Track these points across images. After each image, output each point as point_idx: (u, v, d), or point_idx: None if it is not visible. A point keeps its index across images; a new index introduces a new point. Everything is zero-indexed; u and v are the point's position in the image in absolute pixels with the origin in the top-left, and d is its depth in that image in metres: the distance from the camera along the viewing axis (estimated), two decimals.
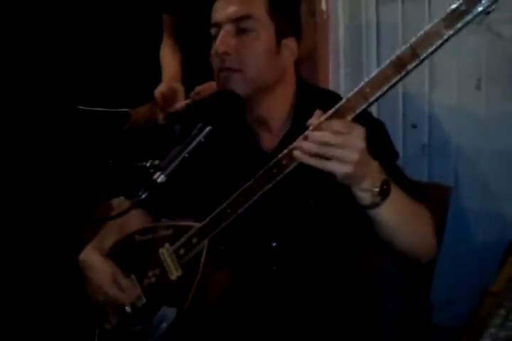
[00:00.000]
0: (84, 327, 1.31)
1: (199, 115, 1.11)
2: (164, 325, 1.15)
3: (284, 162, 1.00)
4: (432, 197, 1.15)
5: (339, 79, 1.99)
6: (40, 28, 2.05)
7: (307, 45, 1.70)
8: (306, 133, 0.95)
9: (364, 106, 0.93)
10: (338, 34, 1.97)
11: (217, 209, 1.09)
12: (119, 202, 1.38)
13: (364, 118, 0.99)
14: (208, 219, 1.11)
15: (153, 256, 1.17)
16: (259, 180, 1.04)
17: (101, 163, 1.95)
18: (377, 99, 0.93)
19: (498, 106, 1.79)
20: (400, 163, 1.18)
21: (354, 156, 0.91)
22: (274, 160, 1.02)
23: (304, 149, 0.94)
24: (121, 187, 1.26)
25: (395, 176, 1.03)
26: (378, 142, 1.07)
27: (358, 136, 0.92)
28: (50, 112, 2.11)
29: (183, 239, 1.13)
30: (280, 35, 1.14)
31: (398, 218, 1.00)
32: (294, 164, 0.99)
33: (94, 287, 1.19)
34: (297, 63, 1.21)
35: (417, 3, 1.84)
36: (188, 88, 1.82)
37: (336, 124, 0.93)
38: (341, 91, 2.00)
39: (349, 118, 0.94)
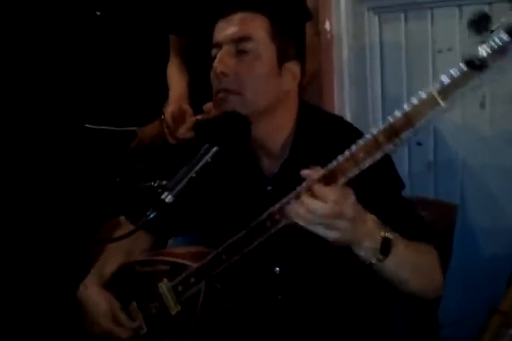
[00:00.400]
0: None
1: (205, 135, 1.10)
2: None
3: (277, 217, 0.98)
4: (437, 233, 1.13)
5: (344, 99, 2.00)
6: (50, 47, 2.08)
7: (312, 67, 1.67)
8: (299, 190, 0.94)
9: (355, 172, 0.91)
10: (342, 54, 1.99)
11: (212, 254, 1.08)
12: (125, 221, 1.37)
13: None
14: (204, 262, 1.10)
15: (153, 289, 1.16)
16: (253, 230, 1.02)
17: (108, 181, 1.96)
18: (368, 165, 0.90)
19: (502, 123, 1.79)
20: (405, 180, 1.18)
21: (344, 225, 0.92)
22: (266, 213, 1.00)
23: (295, 212, 0.93)
24: (127, 206, 1.27)
25: (398, 216, 1.02)
26: (381, 175, 1.05)
27: (349, 205, 0.91)
28: (58, 130, 2.13)
29: (180, 278, 1.13)
30: (282, 58, 1.12)
31: (403, 269, 1.00)
32: (287, 221, 0.97)
33: (92, 320, 1.18)
34: (302, 86, 1.18)
35: (419, 23, 1.86)
36: (195, 108, 1.82)
37: (328, 193, 0.91)
38: (346, 111, 2.02)
39: (341, 182, 0.92)
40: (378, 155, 0.89)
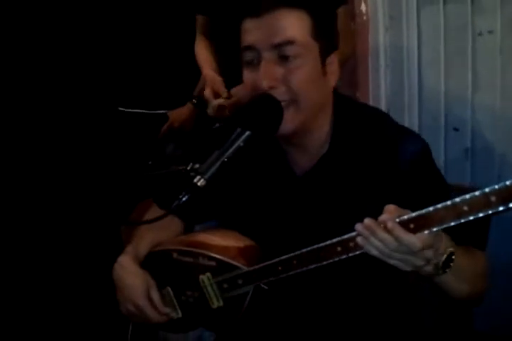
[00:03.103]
0: (118, 322, 1.31)
1: (238, 119, 1.06)
2: None
3: (351, 244, 0.94)
4: (486, 239, 1.10)
5: (379, 82, 1.96)
6: (83, 31, 2.10)
7: (345, 51, 1.63)
8: (383, 219, 0.88)
9: (452, 223, 0.85)
10: (378, 37, 1.94)
11: (268, 262, 1.06)
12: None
13: (408, 154, 0.98)
14: (256, 267, 1.08)
15: (192, 279, 1.15)
16: (318, 251, 0.99)
17: (140, 164, 1.97)
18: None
19: None
20: (441, 167, 1.16)
21: (420, 263, 0.90)
22: (338, 239, 0.96)
23: (373, 244, 0.89)
24: (159, 189, 1.27)
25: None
26: (431, 182, 1.03)
27: (433, 251, 0.89)
28: (92, 114, 2.15)
29: (227, 276, 1.11)
30: (325, 54, 1.06)
31: (456, 280, 0.97)
32: (361, 251, 0.93)
33: (126, 296, 1.17)
34: None
35: (459, 4, 1.80)
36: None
37: (415, 240, 0.87)
38: (381, 96, 1.98)
39: (435, 228, 0.87)
40: (484, 214, 0.83)
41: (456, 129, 1.88)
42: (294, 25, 1.02)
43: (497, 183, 1.99)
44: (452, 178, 1.17)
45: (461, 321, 1.28)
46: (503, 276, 1.42)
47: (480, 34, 1.76)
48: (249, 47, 1.04)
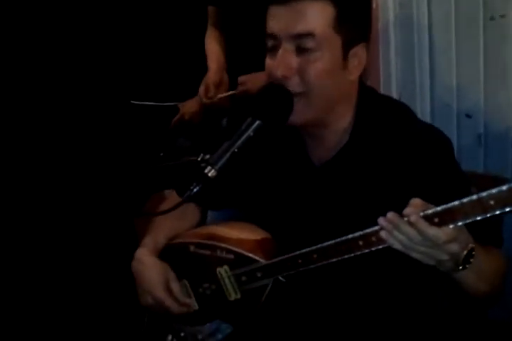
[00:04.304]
0: (134, 313, 1.33)
1: (247, 108, 1.07)
2: (219, 336, 1.16)
3: (374, 239, 0.94)
4: (502, 236, 1.09)
5: (390, 70, 1.94)
6: (94, 26, 2.09)
7: None
8: (408, 213, 0.88)
9: (478, 217, 0.85)
10: (388, 23, 1.92)
11: (288, 255, 1.06)
12: (170, 194, 1.39)
13: (429, 149, 0.98)
14: (276, 260, 1.08)
15: (210, 272, 1.15)
16: (340, 245, 0.98)
17: (151, 156, 1.98)
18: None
19: None
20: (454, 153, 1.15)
21: (444, 257, 0.89)
22: (360, 233, 0.95)
23: (396, 238, 0.89)
24: (172, 180, 1.28)
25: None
26: (447, 180, 1.03)
27: (458, 244, 0.88)
28: (104, 106, 2.16)
29: (246, 269, 1.11)
30: (348, 47, 1.03)
31: (475, 276, 0.97)
32: (384, 245, 0.93)
33: (146, 288, 1.17)
34: None
35: None
36: (232, 78, 1.82)
37: (441, 234, 0.87)
38: (392, 84, 1.96)
39: (460, 223, 0.87)
40: (511, 208, 0.83)
41: (468, 116, 1.86)
42: (316, 16, 1.00)
43: (511, 170, 1.96)
44: (465, 165, 1.16)
45: (475, 310, 1.28)
46: None
47: (492, 18, 1.74)
48: (271, 35, 1.04)
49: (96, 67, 2.13)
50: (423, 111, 1.91)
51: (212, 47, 1.87)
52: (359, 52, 1.05)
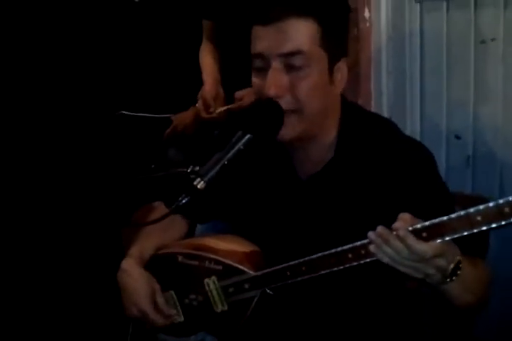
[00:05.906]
0: (118, 325, 1.31)
1: (239, 123, 1.08)
2: None
3: (363, 252, 0.95)
4: (487, 248, 1.11)
5: (381, 90, 1.97)
6: (87, 34, 2.10)
7: (351, 57, 1.66)
8: (397, 227, 0.89)
9: (465, 232, 0.87)
10: (381, 44, 1.95)
11: (277, 267, 1.06)
12: (159, 206, 1.38)
13: (413, 164, 0.99)
14: (265, 271, 1.08)
15: (197, 283, 1.15)
16: (329, 257, 0.99)
17: (143, 167, 1.98)
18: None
19: None
20: (442, 174, 1.16)
21: (431, 271, 0.91)
22: (350, 246, 0.97)
23: (385, 252, 0.90)
24: (161, 191, 1.28)
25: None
26: (431, 195, 1.04)
27: (445, 258, 0.90)
28: (94, 117, 2.16)
29: (234, 280, 1.11)
30: (333, 62, 1.06)
31: (461, 288, 0.98)
32: (372, 258, 0.94)
33: (131, 300, 1.17)
34: None
35: (462, 11, 1.80)
36: (226, 92, 1.83)
37: (429, 247, 0.88)
38: (383, 102, 1.98)
39: (447, 238, 0.89)
40: (497, 225, 0.85)
41: (457, 137, 1.88)
42: (302, 34, 1.02)
43: (498, 191, 1.97)
44: (453, 186, 1.17)
45: (461, 327, 1.28)
46: (502, 283, 1.41)
47: (483, 42, 1.77)
48: (258, 55, 1.04)
49: (90, 78, 2.14)
50: (413, 132, 1.92)
51: (207, 61, 1.88)
52: (342, 67, 1.08)
